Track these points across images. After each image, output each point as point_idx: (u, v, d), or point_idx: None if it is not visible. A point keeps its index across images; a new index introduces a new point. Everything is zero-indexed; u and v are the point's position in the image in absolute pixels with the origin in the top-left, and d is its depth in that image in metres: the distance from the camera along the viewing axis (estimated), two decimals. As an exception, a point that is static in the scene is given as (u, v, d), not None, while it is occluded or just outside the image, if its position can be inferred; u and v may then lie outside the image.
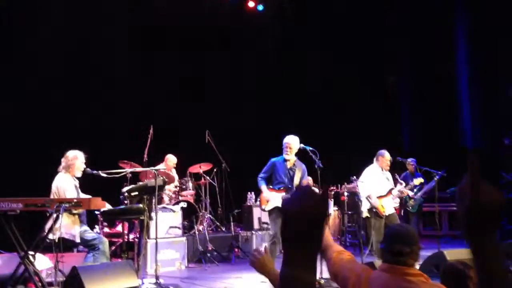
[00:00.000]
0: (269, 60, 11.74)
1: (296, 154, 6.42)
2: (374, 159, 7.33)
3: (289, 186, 6.32)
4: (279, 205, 6.24)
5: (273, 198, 6.30)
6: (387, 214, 7.07)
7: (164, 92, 9.95)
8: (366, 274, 2.24)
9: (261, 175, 6.47)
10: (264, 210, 6.53)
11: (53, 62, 8.37)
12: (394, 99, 13.66)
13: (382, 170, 7.25)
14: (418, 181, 7.98)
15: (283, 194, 6.28)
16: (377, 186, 7.10)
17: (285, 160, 6.39)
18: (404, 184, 8.04)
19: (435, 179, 7.98)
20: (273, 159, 6.49)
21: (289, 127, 10.31)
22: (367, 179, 7.18)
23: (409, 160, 8.95)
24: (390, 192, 7.18)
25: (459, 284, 2.67)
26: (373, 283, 2.21)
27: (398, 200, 7.37)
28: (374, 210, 7.06)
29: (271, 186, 6.41)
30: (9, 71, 7.78)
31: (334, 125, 12.32)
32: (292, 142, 6.35)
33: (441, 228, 10.68)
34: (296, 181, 6.34)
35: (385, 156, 7.29)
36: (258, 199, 6.61)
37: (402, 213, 8.93)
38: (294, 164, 6.41)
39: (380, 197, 7.07)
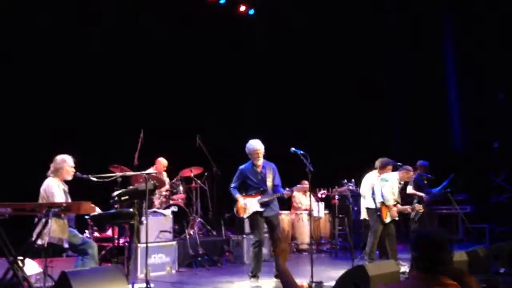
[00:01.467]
0: (260, 63, 11.76)
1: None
2: (389, 165, 7.48)
3: (263, 188, 6.32)
4: (257, 209, 6.26)
5: (250, 203, 6.30)
6: (387, 222, 7.13)
7: (155, 96, 9.94)
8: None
9: (233, 185, 6.46)
10: (243, 218, 6.52)
11: (43, 66, 8.33)
12: (383, 102, 13.72)
13: (399, 182, 7.35)
14: (419, 207, 7.86)
15: (259, 197, 6.29)
16: (390, 196, 7.17)
17: (254, 165, 6.38)
18: (411, 187, 8.20)
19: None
20: (240, 167, 6.47)
21: (279, 130, 10.39)
22: (388, 187, 7.22)
23: (421, 162, 8.86)
24: (395, 204, 7.24)
25: None
26: None
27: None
28: (378, 213, 7.11)
29: (244, 194, 6.41)
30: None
31: (325, 128, 12.36)
32: (260, 147, 6.33)
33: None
34: (269, 182, 6.34)
35: (410, 172, 7.47)
36: (235, 209, 6.55)
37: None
38: (263, 166, 6.40)
39: (388, 205, 7.13)
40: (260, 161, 6.35)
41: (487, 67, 11.80)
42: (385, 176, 7.43)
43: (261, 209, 6.25)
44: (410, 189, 8.50)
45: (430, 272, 2.15)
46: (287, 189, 6.42)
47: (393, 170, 7.53)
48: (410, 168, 7.50)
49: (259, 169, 6.39)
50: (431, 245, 2.19)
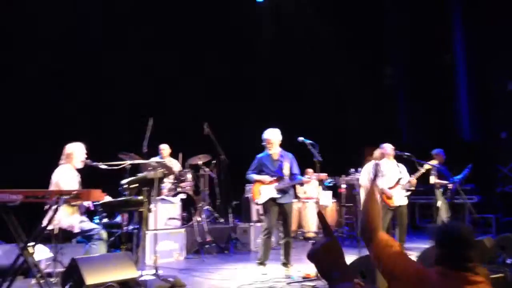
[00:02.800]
0: (267, 52, 11.73)
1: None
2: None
3: (280, 175, 6.33)
4: (273, 195, 6.27)
5: (266, 190, 6.31)
6: (396, 205, 7.11)
7: (164, 84, 9.95)
8: (420, 276, 2.15)
9: (250, 172, 6.47)
10: (257, 203, 6.54)
11: (53, 54, 8.35)
12: (391, 91, 13.67)
13: (392, 162, 7.31)
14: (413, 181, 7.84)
15: (276, 184, 6.29)
16: (384, 180, 7.16)
17: (270, 154, 6.41)
18: (434, 177, 8.19)
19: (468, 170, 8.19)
20: (258, 156, 6.48)
21: (287, 119, 10.38)
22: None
23: (436, 151, 8.82)
24: (397, 182, 7.20)
25: None
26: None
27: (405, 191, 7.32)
28: (382, 203, 7.12)
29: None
30: (8, 60, 7.77)
31: (332, 117, 12.35)
32: (271, 137, 6.35)
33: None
34: (286, 171, 6.36)
35: (387, 149, 7.40)
36: (250, 193, 6.58)
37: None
38: (280, 155, 6.43)
39: (383, 191, 7.13)
40: (272, 151, 6.35)
41: (496, 57, 11.71)
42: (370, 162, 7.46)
43: (278, 195, 6.27)
44: (432, 179, 8.49)
45: (459, 270, 2.12)
46: (306, 176, 6.49)
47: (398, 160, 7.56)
48: (385, 146, 7.45)
49: (275, 157, 6.41)
50: (460, 243, 2.16)
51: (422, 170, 7.57)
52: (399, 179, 7.28)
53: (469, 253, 2.12)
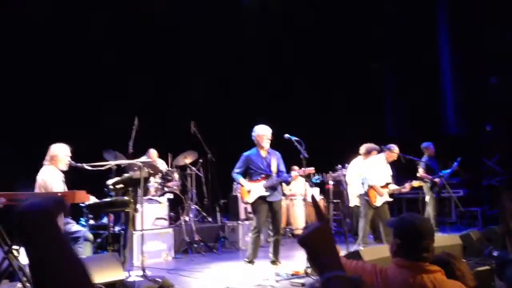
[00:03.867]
0: (254, 49, 11.70)
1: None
2: (373, 150, 7.48)
3: (269, 173, 6.32)
4: (262, 194, 6.25)
5: (255, 188, 6.29)
6: (378, 205, 7.15)
7: (150, 82, 9.89)
8: (381, 273, 2.21)
9: (236, 170, 6.42)
10: (247, 203, 6.52)
11: (43, 53, 8.25)
12: (378, 85, 13.74)
13: (387, 163, 7.38)
14: (417, 183, 7.85)
15: (264, 182, 6.28)
16: (378, 177, 7.19)
17: (258, 151, 6.39)
18: (422, 170, 8.18)
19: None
20: (245, 153, 6.44)
21: (273, 114, 10.37)
22: (373, 168, 7.26)
23: (426, 144, 8.86)
24: (387, 185, 7.26)
25: (450, 273, 2.63)
26: (392, 282, 2.17)
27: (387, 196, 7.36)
28: (366, 198, 7.14)
29: (248, 179, 6.38)
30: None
31: (319, 112, 12.37)
32: (263, 132, 6.35)
33: (423, 214, 10.82)
34: (274, 168, 6.35)
35: (395, 150, 7.41)
36: (238, 193, 6.58)
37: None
38: (268, 153, 6.42)
39: (375, 188, 7.16)
40: (268, 146, 6.36)
41: (481, 49, 11.81)
42: (370, 159, 7.51)
43: (266, 193, 6.25)
44: (420, 172, 8.54)
45: (414, 259, 2.19)
46: (293, 171, 6.52)
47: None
48: (392, 146, 7.51)
49: (264, 155, 6.40)
50: (416, 233, 2.23)
51: (417, 184, 7.68)
52: (388, 183, 7.32)
53: (423, 244, 2.18)
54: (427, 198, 8.64)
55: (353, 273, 2.24)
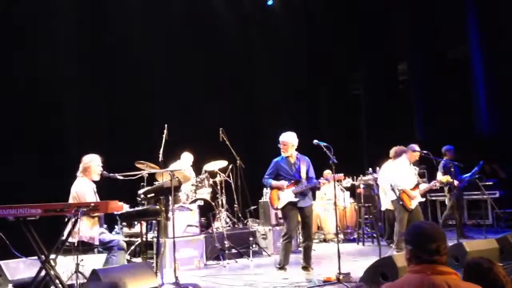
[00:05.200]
0: (279, 57, 11.72)
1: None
2: (403, 153, 7.38)
3: (298, 178, 6.32)
4: (291, 199, 6.24)
5: (284, 194, 6.29)
6: (413, 207, 7.06)
7: (177, 90, 10.00)
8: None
9: (267, 176, 6.46)
10: (277, 208, 6.53)
11: (68, 62, 8.44)
12: (406, 86, 13.56)
13: (410, 164, 7.29)
14: (445, 178, 7.77)
15: (293, 188, 6.27)
16: (406, 180, 7.10)
17: (287, 157, 6.40)
18: (440, 173, 8.06)
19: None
20: (275, 160, 6.49)
21: (302, 122, 10.37)
22: (398, 172, 7.18)
23: (446, 147, 8.79)
24: (417, 186, 7.16)
25: (484, 280, 2.58)
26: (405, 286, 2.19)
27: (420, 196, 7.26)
28: (401, 203, 7.05)
29: None
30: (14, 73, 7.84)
31: (349, 114, 12.29)
32: (286, 139, 6.37)
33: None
34: (303, 174, 6.33)
35: (416, 150, 7.33)
36: (268, 199, 6.60)
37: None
38: (297, 158, 6.42)
39: (405, 190, 7.07)
40: (288, 153, 6.37)
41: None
42: (394, 163, 7.41)
43: (295, 199, 6.25)
44: (439, 176, 8.42)
45: (426, 262, 2.21)
46: (322, 178, 6.54)
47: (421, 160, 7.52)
48: (414, 146, 7.42)
49: (292, 161, 6.41)
50: (425, 236, 2.26)
51: (443, 180, 7.62)
52: (418, 184, 7.22)
53: (433, 246, 2.21)
54: (447, 201, 8.54)
55: None
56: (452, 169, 8.11)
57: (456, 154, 8.69)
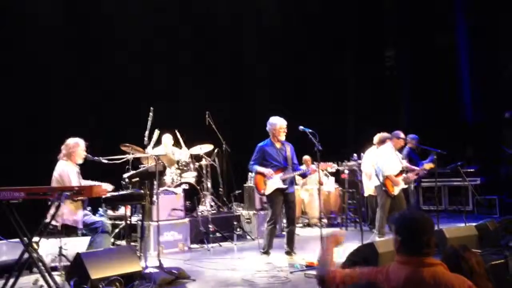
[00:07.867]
0: (269, 41, 11.64)
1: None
2: (387, 139, 7.44)
3: (285, 165, 6.34)
4: (280, 186, 6.27)
5: (272, 180, 6.30)
6: (395, 194, 7.14)
7: (164, 73, 9.91)
8: (382, 271, 2.26)
9: (252, 162, 6.44)
10: (264, 195, 6.55)
11: (53, 48, 8.30)
12: (393, 73, 13.61)
13: (395, 150, 7.36)
14: (428, 165, 7.87)
15: (280, 174, 6.30)
16: (391, 166, 7.17)
17: (273, 143, 6.39)
18: (405, 160, 8.13)
19: (434, 156, 7.93)
20: (260, 144, 6.45)
21: (288, 106, 10.36)
22: (383, 158, 7.24)
23: (411, 136, 8.88)
24: (401, 173, 7.24)
25: (458, 266, 2.63)
26: (393, 278, 2.21)
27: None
28: (384, 189, 7.12)
29: None
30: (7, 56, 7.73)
31: (333, 101, 12.31)
32: (285, 124, 6.37)
33: (440, 203, 10.79)
34: (289, 160, 6.36)
35: (401, 137, 7.40)
36: (254, 184, 6.60)
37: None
38: (282, 144, 6.43)
39: (390, 177, 7.14)
40: (283, 138, 6.38)
41: (500, 37, 11.61)
42: (379, 149, 7.49)
43: (284, 186, 6.28)
44: (404, 163, 8.48)
45: (415, 255, 2.22)
46: (313, 166, 6.58)
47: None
48: (399, 133, 7.51)
49: (279, 146, 6.41)
50: (416, 229, 2.25)
51: (429, 166, 7.80)
52: (402, 171, 7.29)
53: (423, 239, 2.22)
54: (412, 187, 8.71)
55: (356, 281, 2.26)
56: (411, 157, 8.28)
57: (419, 142, 8.74)
